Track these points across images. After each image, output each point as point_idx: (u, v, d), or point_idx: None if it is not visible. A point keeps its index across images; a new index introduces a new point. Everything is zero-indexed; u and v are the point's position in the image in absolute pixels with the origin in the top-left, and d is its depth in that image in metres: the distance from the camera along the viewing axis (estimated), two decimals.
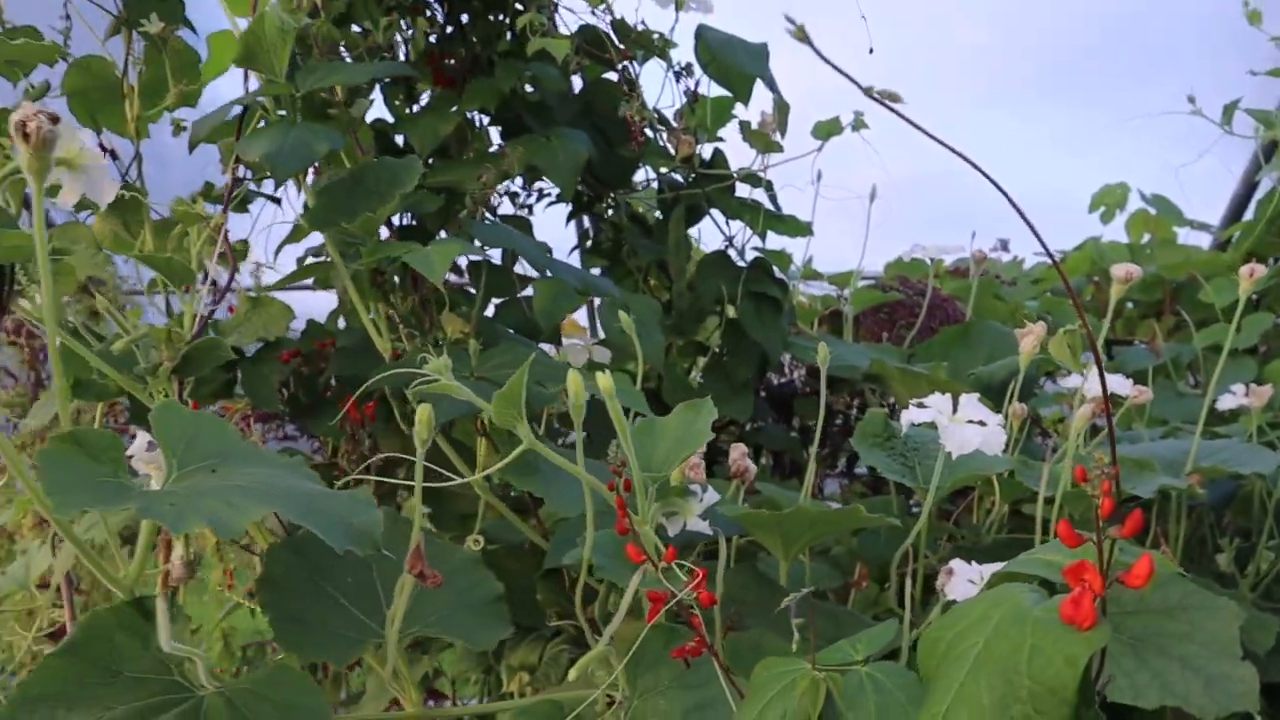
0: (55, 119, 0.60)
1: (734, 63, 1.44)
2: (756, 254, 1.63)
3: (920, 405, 0.92)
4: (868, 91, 0.64)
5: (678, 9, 1.48)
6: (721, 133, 1.68)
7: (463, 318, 1.09)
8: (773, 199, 1.63)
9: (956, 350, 1.66)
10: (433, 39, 1.42)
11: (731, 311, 1.62)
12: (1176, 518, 1.28)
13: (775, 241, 1.73)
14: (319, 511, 0.69)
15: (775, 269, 1.63)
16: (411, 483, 0.94)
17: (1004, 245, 2.52)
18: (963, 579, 0.94)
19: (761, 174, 1.54)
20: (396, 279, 1.10)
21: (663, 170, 1.61)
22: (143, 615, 0.76)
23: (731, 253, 1.66)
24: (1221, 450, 1.26)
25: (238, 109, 1.06)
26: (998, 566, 0.91)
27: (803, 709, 0.64)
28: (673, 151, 1.55)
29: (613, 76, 1.58)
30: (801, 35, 0.58)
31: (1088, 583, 0.54)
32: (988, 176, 0.79)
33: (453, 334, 1.08)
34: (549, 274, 1.17)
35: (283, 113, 1.20)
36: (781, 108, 1.47)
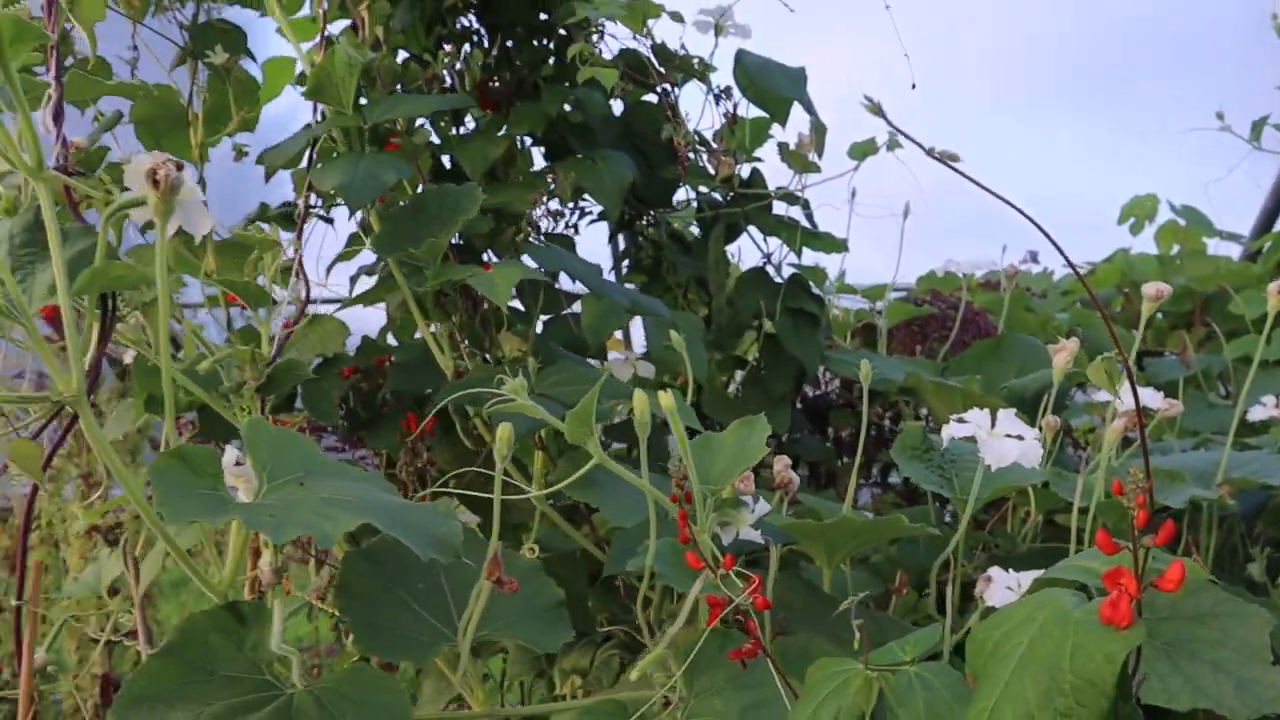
0: (180, 166, 0.66)
1: (772, 86, 1.49)
2: (793, 270, 1.67)
3: (960, 420, 0.97)
4: (929, 151, 0.69)
5: (717, 34, 1.54)
6: (758, 152, 1.73)
7: (518, 336, 1.14)
8: (809, 216, 1.68)
9: (989, 363, 1.70)
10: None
11: (769, 326, 1.67)
12: (1208, 528, 1.31)
13: (809, 256, 1.79)
14: (404, 522, 0.74)
15: (811, 285, 1.67)
16: (473, 493, 0.99)
17: (1034, 257, 2.55)
18: (1001, 586, 0.99)
19: (799, 193, 1.58)
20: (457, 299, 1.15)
21: (701, 189, 1.67)
22: (236, 618, 0.82)
23: (769, 269, 1.71)
24: (1252, 461, 1.29)
25: (308, 139, 1.12)
26: (1035, 574, 0.95)
27: (856, 706, 0.69)
28: (712, 171, 1.60)
29: (652, 98, 1.63)
30: (876, 109, 0.62)
31: (1124, 587, 0.59)
32: (1016, 206, 0.84)
33: (510, 352, 1.13)
34: (600, 293, 1.22)
35: (332, 135, 1.26)
36: (819, 130, 1.52)
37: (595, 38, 1.55)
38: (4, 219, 0.83)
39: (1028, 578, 0.98)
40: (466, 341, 1.14)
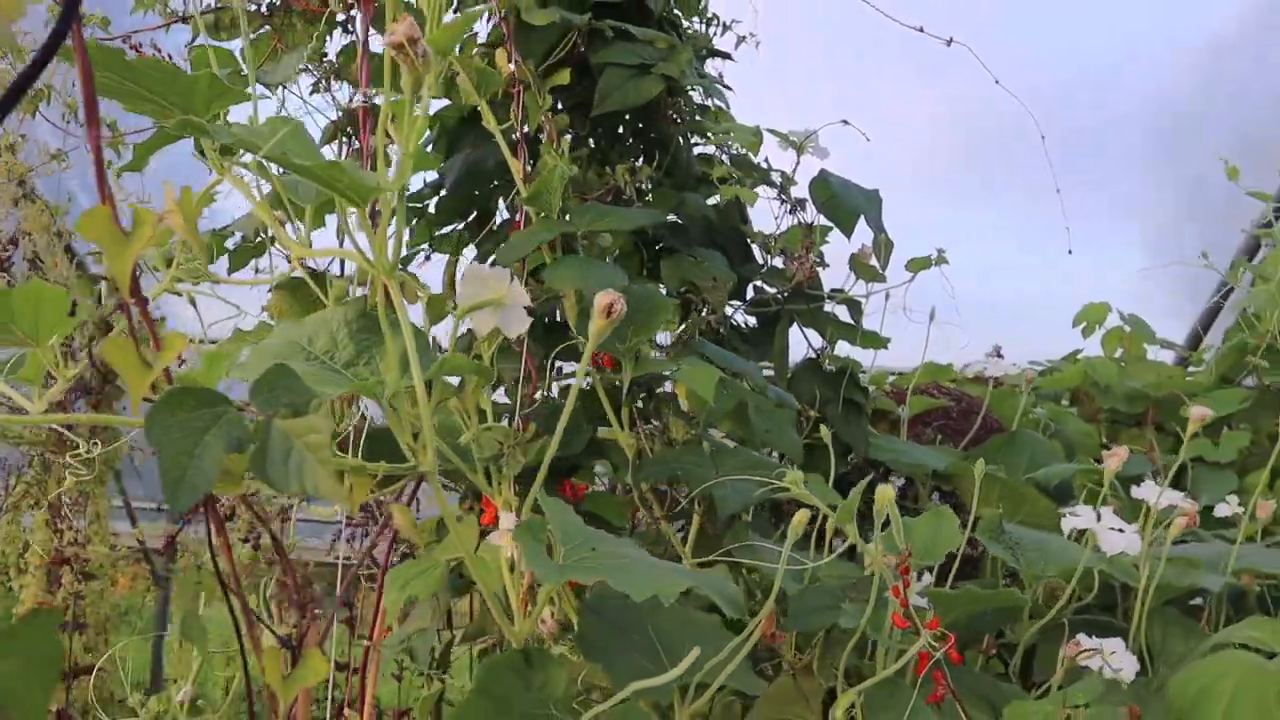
0: (622, 299, 0.81)
1: (851, 203, 1.70)
2: (842, 363, 1.89)
3: (1073, 514, 1.19)
4: None
5: (799, 153, 1.75)
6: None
7: (683, 420, 1.32)
8: (855, 316, 1.89)
9: (1004, 455, 1.94)
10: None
11: (812, 411, 1.87)
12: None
13: (843, 348, 2.01)
14: (708, 584, 0.91)
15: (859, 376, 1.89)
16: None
17: (998, 352, 2.84)
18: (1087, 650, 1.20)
19: (862, 300, 1.80)
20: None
21: (757, 284, 1.87)
22: (526, 661, 0.96)
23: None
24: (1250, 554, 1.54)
25: (535, 243, 1.27)
26: (1119, 641, 1.18)
27: None
28: (782, 269, 1.81)
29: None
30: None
31: None
32: None
33: (680, 435, 1.30)
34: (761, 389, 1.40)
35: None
36: (886, 245, 1.74)
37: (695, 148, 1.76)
38: (337, 307, 0.97)
39: (1109, 643, 1.20)
40: (642, 423, 1.31)
